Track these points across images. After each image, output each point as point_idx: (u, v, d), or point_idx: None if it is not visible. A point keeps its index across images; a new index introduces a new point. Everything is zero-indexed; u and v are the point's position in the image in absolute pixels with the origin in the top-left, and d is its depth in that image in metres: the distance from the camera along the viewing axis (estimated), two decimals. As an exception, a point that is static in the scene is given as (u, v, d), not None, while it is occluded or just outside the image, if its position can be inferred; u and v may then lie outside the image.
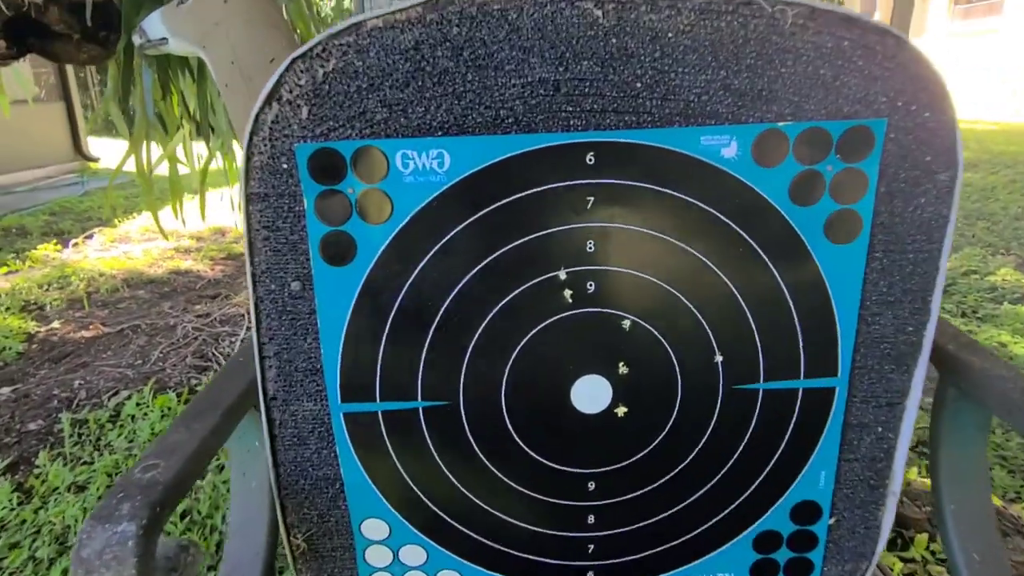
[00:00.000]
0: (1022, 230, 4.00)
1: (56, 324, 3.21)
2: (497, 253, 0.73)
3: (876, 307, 0.77)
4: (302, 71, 0.67)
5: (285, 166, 0.70)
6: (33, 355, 2.89)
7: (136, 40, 1.42)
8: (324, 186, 0.71)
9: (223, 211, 3.70)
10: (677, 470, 0.83)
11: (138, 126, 2.19)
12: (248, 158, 0.70)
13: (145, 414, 2.38)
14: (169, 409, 2.36)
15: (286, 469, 0.84)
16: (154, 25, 1.37)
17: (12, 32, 2.22)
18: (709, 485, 0.84)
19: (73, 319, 3.30)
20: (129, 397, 2.46)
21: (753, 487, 0.84)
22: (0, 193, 5.96)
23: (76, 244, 4.56)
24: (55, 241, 4.53)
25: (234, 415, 0.89)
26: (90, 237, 4.73)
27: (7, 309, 3.33)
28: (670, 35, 0.66)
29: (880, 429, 0.83)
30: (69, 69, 7.23)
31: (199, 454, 0.80)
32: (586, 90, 0.68)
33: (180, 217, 2.38)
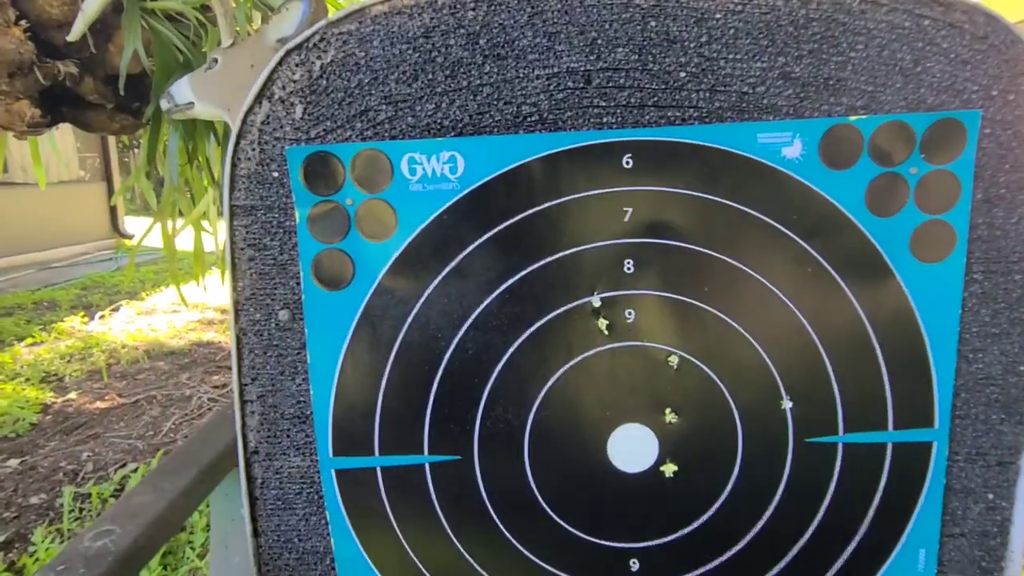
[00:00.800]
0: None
1: (72, 395, 3.15)
2: (518, 276, 0.62)
3: (978, 341, 0.63)
4: (297, 64, 0.59)
5: (275, 174, 0.61)
6: (46, 426, 2.81)
7: (164, 105, 1.41)
8: (319, 197, 0.61)
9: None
10: (740, 546, 0.68)
11: (165, 194, 2.20)
12: (233, 165, 0.61)
13: (152, 489, 2.25)
14: (176, 483, 2.23)
15: (268, 539, 0.70)
16: (182, 89, 1.36)
17: (47, 101, 2.28)
18: (780, 566, 0.68)
19: (90, 390, 3.24)
20: (135, 470, 2.34)
21: (835, 570, 0.68)
22: (38, 269, 6.10)
23: (103, 317, 4.57)
24: (83, 314, 4.56)
25: (214, 474, 0.77)
26: (117, 310, 4.75)
27: (27, 380, 3.29)
28: (718, 16, 0.57)
29: (991, 496, 0.67)
30: (112, 152, 7.56)
31: (166, 519, 0.68)
32: (621, 81, 0.58)
33: (202, 284, 2.35)
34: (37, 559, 1.88)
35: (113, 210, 7.53)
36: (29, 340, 3.93)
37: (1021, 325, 0.63)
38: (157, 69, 1.94)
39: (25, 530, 2.07)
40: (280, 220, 0.62)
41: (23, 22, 1.62)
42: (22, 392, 3.13)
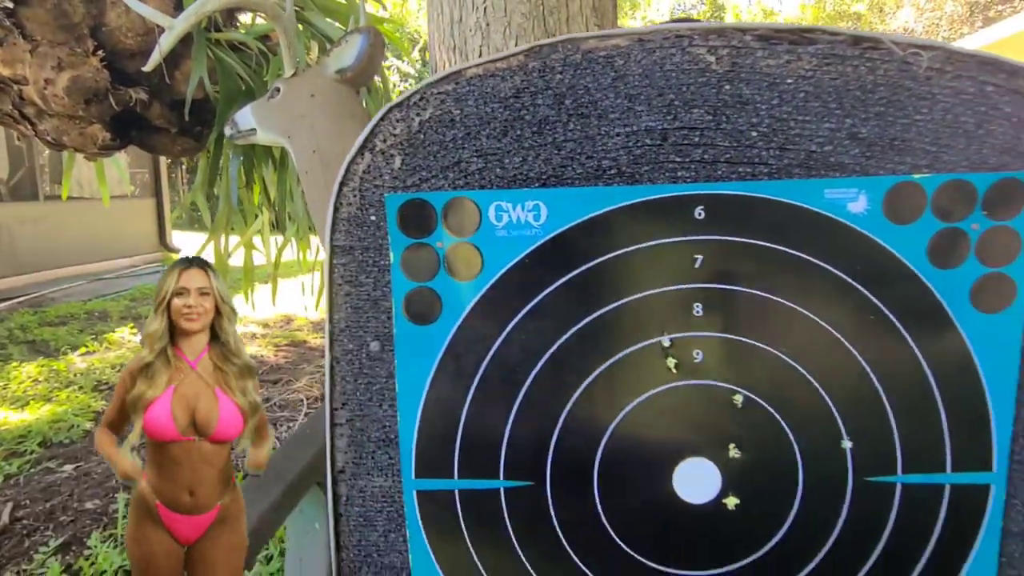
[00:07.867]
0: None
1: (123, 404, 3.25)
2: (593, 315, 0.67)
3: (1037, 389, 0.66)
4: (398, 120, 0.65)
5: (373, 218, 0.67)
6: (98, 434, 2.91)
7: (227, 131, 1.49)
8: (412, 239, 0.67)
9: (292, 300, 3.78)
10: (798, 579, 0.70)
11: (220, 213, 2.31)
12: (336, 209, 0.67)
13: (200, 497, 2.32)
14: (224, 493, 2.30)
15: (349, 554, 0.75)
16: (245, 117, 1.44)
17: (116, 125, 2.42)
18: (837, 600, 0.71)
19: (140, 400, 3.34)
20: (185, 479, 2.41)
21: (891, 605, 0.71)
22: (90, 280, 6.34)
23: (151, 328, 4.72)
24: (131, 325, 4.71)
25: (296, 491, 0.83)
26: (165, 322, 4.90)
27: (80, 388, 3.42)
28: (789, 81, 0.61)
29: (1048, 540, 0.69)
30: (162, 169, 7.84)
31: (258, 532, 0.73)
32: (696, 139, 0.63)
33: (250, 301, 2.44)
34: (93, 563, 1.96)
35: (161, 225, 7.80)
36: (83, 349, 4.08)
37: (1079, 375, 0.65)
38: (221, 96, 2.04)
39: (81, 534, 2.16)
40: (375, 259, 0.68)
41: (100, 52, 1.73)
42: (77, 399, 3.25)
